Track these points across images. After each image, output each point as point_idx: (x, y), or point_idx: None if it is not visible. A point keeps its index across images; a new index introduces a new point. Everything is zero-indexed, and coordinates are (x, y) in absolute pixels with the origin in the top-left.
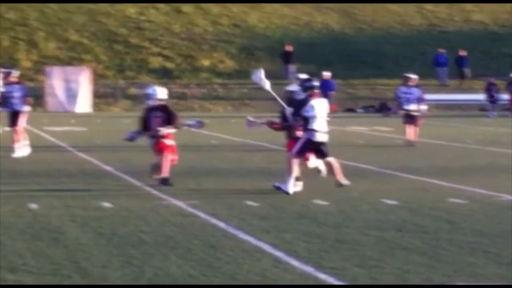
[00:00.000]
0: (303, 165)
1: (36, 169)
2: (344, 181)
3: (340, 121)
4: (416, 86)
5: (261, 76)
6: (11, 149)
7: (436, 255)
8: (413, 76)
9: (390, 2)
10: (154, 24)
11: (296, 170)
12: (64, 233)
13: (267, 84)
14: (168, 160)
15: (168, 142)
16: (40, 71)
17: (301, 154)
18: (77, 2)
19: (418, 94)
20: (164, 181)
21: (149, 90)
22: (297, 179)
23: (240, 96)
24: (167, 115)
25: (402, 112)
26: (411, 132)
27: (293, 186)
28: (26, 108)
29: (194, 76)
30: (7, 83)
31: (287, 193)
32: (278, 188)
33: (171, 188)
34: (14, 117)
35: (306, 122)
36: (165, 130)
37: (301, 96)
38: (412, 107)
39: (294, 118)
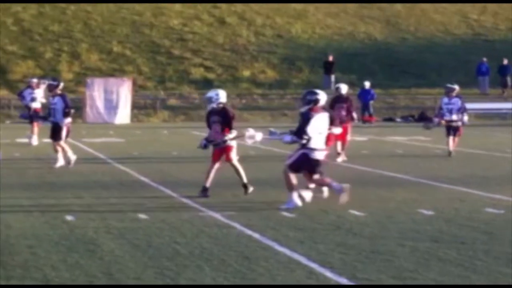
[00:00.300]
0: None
1: (73, 180)
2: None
3: (378, 131)
4: (458, 96)
5: (251, 135)
6: (52, 160)
7: (472, 266)
8: (454, 87)
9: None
10: (198, 35)
11: (295, 182)
12: (99, 245)
13: (258, 136)
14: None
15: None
16: (82, 83)
17: (295, 168)
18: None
19: (459, 104)
20: (204, 191)
21: (211, 94)
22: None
23: (280, 107)
24: (224, 118)
25: (444, 123)
26: (452, 143)
27: (304, 196)
28: (66, 121)
29: (234, 87)
30: (53, 95)
31: (296, 207)
32: (287, 209)
33: (207, 199)
34: (54, 130)
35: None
36: (229, 136)
37: (303, 109)
38: (454, 117)
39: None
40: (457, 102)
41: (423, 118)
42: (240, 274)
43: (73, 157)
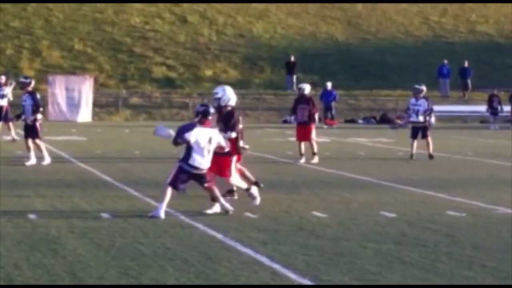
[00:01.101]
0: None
1: (36, 179)
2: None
3: (340, 132)
4: (425, 97)
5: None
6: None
7: (434, 269)
8: (422, 88)
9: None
10: (159, 33)
11: (168, 198)
12: (62, 244)
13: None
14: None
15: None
16: (43, 80)
17: (175, 185)
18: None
19: (426, 106)
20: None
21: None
22: (227, 194)
23: (241, 106)
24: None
25: (410, 124)
26: (416, 145)
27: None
28: (34, 118)
29: (196, 86)
30: (24, 93)
31: (158, 217)
32: (152, 216)
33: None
34: (28, 128)
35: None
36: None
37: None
38: (420, 119)
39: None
40: (423, 103)
41: (385, 120)
42: (203, 275)
43: (47, 158)
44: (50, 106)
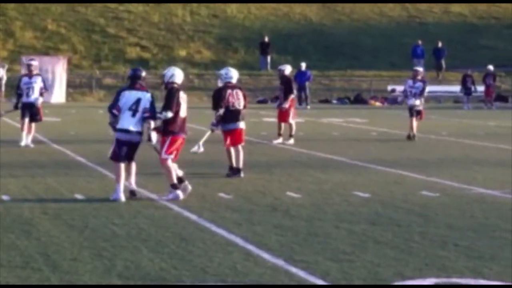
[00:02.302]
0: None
1: (9, 160)
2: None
3: (314, 113)
4: (423, 80)
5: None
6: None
7: (408, 249)
8: (420, 69)
9: None
10: (133, 14)
11: (122, 176)
12: (35, 225)
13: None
14: None
15: None
16: (16, 61)
17: (117, 157)
18: None
19: (421, 88)
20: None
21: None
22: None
23: (216, 87)
24: None
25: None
26: (413, 125)
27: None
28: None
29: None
30: (31, 75)
31: (118, 200)
32: (114, 200)
33: (144, 181)
34: (35, 110)
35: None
36: None
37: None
38: (417, 102)
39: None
40: (420, 86)
41: (359, 100)
42: (178, 256)
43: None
44: None
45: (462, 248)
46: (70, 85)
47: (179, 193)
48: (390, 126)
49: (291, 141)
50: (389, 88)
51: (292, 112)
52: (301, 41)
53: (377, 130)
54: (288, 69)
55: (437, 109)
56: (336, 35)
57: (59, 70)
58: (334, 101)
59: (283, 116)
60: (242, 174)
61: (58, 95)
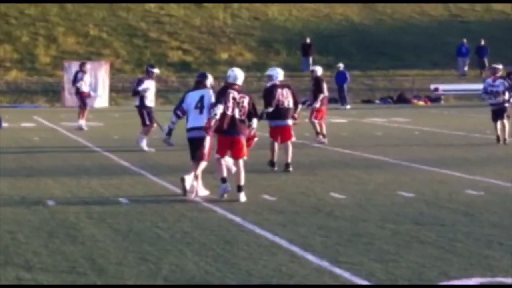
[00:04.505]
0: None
1: (53, 165)
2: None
3: (357, 113)
4: (502, 77)
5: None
6: (30, 146)
7: (453, 248)
8: (499, 67)
9: None
10: (174, 18)
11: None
12: (80, 230)
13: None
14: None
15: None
16: (59, 66)
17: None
18: None
19: (505, 85)
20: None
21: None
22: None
23: (258, 89)
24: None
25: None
26: (500, 127)
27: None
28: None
29: (212, 69)
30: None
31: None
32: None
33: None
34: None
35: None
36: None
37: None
38: (499, 99)
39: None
40: (501, 84)
41: (402, 100)
42: (222, 258)
43: None
44: (66, 93)
45: (507, 247)
46: (113, 89)
47: (226, 186)
48: (433, 125)
49: (321, 139)
50: (432, 87)
51: (323, 112)
52: (342, 41)
53: (420, 129)
54: (319, 70)
55: (480, 107)
56: (378, 35)
57: (101, 75)
58: (377, 101)
59: (316, 115)
60: (290, 168)
61: (102, 99)
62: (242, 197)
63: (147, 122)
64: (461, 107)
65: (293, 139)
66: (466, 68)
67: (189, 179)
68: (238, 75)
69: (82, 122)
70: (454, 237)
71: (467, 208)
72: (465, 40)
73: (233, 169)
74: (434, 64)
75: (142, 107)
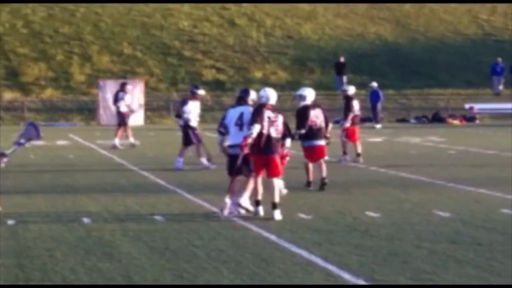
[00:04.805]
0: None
1: (89, 183)
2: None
3: (392, 132)
4: None
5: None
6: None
7: (490, 268)
8: None
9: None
10: (208, 36)
11: (251, 187)
12: (116, 247)
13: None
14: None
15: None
16: (93, 85)
17: (238, 170)
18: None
19: None
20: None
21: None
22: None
23: (292, 108)
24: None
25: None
26: None
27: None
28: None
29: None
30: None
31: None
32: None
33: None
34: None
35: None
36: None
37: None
38: None
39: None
40: None
41: (437, 119)
42: (258, 276)
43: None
44: (101, 110)
45: None
46: (148, 108)
47: (259, 209)
48: (468, 145)
49: (360, 159)
50: (467, 106)
51: (356, 131)
52: (376, 60)
53: (455, 149)
54: (351, 89)
55: None
56: (412, 54)
57: (136, 94)
58: (412, 120)
59: (346, 135)
60: (326, 180)
61: (137, 118)
62: (277, 215)
63: (194, 141)
64: (496, 126)
65: (326, 157)
66: (501, 87)
67: (245, 200)
68: (270, 95)
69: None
70: (491, 256)
71: (503, 228)
72: (500, 59)
73: (284, 191)
74: (468, 83)
75: (186, 127)
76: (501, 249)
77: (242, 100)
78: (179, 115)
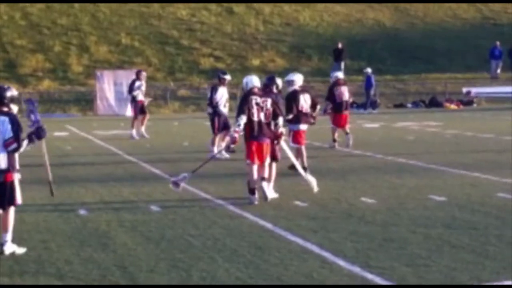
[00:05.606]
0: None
1: (85, 174)
2: None
3: (389, 117)
4: None
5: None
6: (62, 155)
7: (485, 252)
8: None
9: None
10: (206, 25)
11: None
12: (112, 238)
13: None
14: None
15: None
16: (91, 75)
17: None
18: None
19: None
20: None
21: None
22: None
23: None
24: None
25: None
26: None
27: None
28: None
29: (244, 76)
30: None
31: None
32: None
33: (218, 189)
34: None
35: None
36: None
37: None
38: None
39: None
40: None
41: (434, 103)
42: (253, 265)
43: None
44: (98, 101)
45: None
46: (145, 97)
47: (254, 198)
48: (466, 129)
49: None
50: (464, 90)
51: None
52: (375, 46)
53: (452, 133)
54: (337, 75)
55: None
56: (410, 39)
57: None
58: (409, 105)
59: (334, 121)
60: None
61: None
62: (271, 192)
63: (215, 130)
64: (493, 110)
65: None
66: (498, 71)
67: (267, 187)
68: (253, 79)
69: (137, 130)
70: (486, 240)
71: (499, 212)
72: (498, 43)
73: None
74: (466, 67)
75: (214, 114)
76: (497, 233)
77: (267, 88)
78: (211, 103)
